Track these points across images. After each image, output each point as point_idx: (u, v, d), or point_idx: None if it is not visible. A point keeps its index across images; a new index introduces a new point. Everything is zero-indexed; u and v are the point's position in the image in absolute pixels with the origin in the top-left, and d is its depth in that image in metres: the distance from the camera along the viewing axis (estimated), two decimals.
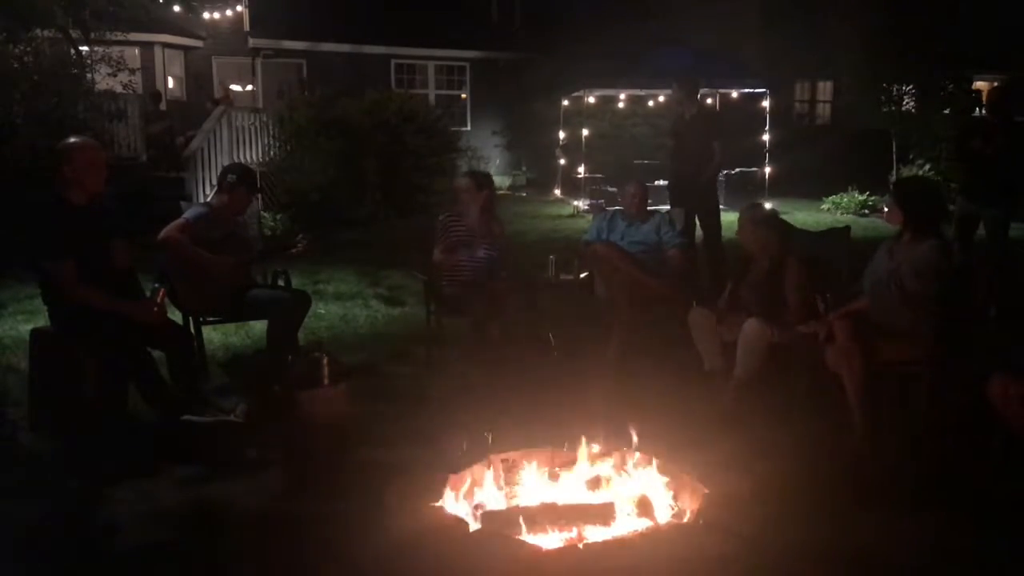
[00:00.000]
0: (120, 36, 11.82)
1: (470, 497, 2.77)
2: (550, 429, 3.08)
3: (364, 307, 6.48)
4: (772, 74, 14.05)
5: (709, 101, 13.05)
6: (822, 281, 4.11)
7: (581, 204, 13.18)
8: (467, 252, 4.87)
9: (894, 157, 13.05)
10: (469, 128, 17.63)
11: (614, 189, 12.09)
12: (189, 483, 3.32)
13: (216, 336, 5.32)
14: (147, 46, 16.18)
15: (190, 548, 2.87)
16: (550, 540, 2.54)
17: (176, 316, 4.32)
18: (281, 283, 4.79)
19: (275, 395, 3.60)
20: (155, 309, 3.74)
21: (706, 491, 2.70)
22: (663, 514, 2.69)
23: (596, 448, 2.91)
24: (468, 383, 4.37)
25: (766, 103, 13.36)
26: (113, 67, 10.90)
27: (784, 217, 4.84)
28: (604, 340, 4.92)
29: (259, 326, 5.02)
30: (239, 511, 3.11)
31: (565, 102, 14.45)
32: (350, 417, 3.59)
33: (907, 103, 13.39)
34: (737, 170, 12.86)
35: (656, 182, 9.54)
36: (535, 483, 2.83)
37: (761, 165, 13.19)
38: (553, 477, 2.86)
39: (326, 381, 3.48)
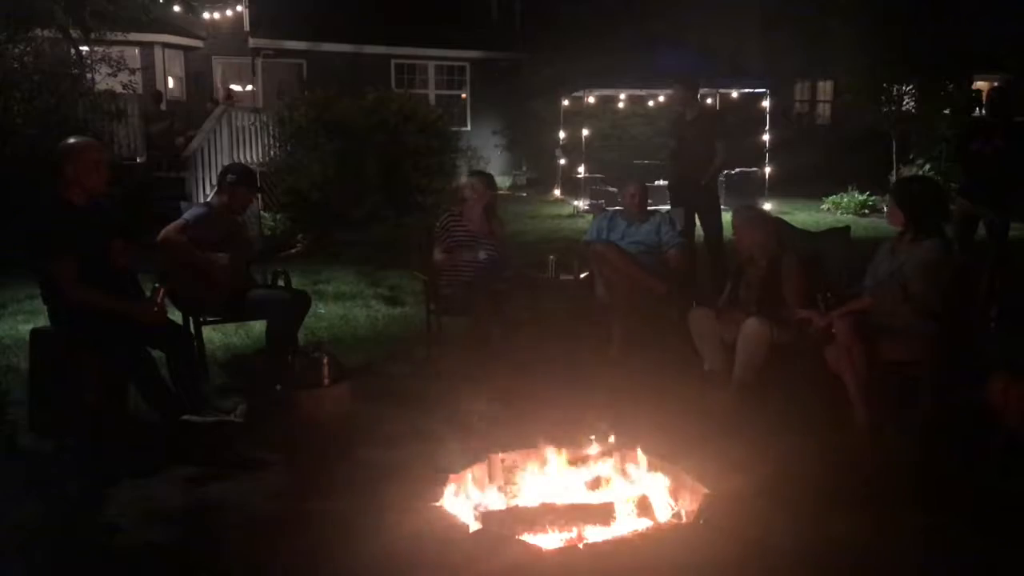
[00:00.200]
0: (120, 36, 11.83)
1: (470, 497, 2.77)
2: (550, 429, 3.08)
3: (364, 307, 6.47)
4: (772, 74, 14.04)
5: (709, 101, 13.04)
6: (822, 279, 4.12)
7: (581, 204, 13.18)
8: (468, 254, 4.88)
9: (894, 157, 13.05)
10: (469, 128, 17.62)
11: (614, 189, 12.07)
12: (189, 483, 3.32)
13: (216, 336, 5.33)
14: (147, 46, 16.19)
15: (190, 548, 2.87)
16: (550, 540, 2.54)
17: (176, 316, 4.32)
18: (281, 283, 4.79)
19: (275, 395, 3.60)
20: (155, 309, 3.73)
21: (706, 491, 2.70)
22: (663, 514, 2.69)
23: (596, 449, 2.91)
24: (468, 383, 4.37)
25: (766, 103, 13.36)
26: (113, 67, 10.91)
27: (784, 217, 4.85)
28: (604, 340, 4.93)
29: (259, 326, 5.02)
30: (239, 511, 3.11)
31: (565, 102, 14.43)
32: (350, 417, 3.59)
33: (907, 103, 13.39)
34: (737, 170, 12.86)
35: (656, 182, 9.52)
36: (535, 483, 2.82)
37: (761, 165, 13.20)
38: (560, 464, 2.84)
39: (326, 381, 3.48)
